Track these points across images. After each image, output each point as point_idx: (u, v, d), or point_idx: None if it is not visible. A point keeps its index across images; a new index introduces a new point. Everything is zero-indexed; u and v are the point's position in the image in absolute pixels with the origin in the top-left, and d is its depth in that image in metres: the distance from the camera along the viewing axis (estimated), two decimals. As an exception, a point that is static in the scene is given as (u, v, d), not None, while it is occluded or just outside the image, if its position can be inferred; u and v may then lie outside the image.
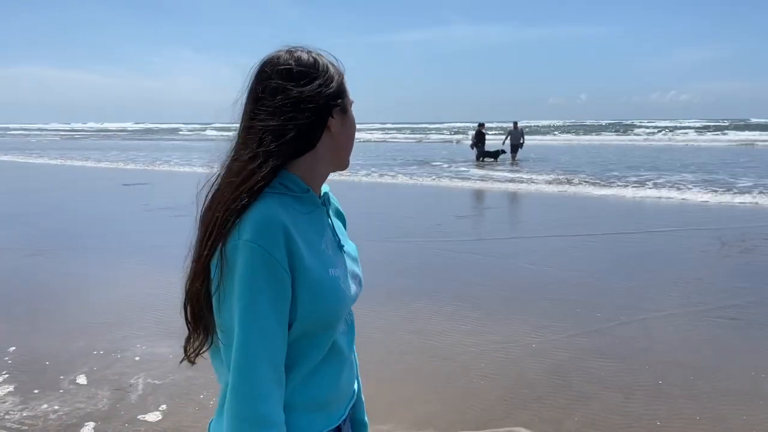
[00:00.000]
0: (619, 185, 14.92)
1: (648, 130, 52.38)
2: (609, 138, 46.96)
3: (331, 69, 1.23)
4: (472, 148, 24.59)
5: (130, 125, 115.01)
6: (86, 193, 15.65)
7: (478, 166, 22.30)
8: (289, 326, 1.13)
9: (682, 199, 12.75)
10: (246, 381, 1.07)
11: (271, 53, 1.22)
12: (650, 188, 13.98)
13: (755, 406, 3.76)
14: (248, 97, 1.21)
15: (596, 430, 3.50)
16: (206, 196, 1.19)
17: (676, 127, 58.66)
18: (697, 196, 13.04)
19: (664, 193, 13.19)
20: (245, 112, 1.21)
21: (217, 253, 1.10)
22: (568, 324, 5.23)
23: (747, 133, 47.38)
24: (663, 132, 51.47)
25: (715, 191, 13.54)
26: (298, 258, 1.13)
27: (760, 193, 13.10)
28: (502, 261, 7.72)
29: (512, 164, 22.64)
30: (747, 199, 12.33)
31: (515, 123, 25.15)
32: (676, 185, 14.60)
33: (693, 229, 9.55)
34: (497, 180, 17.44)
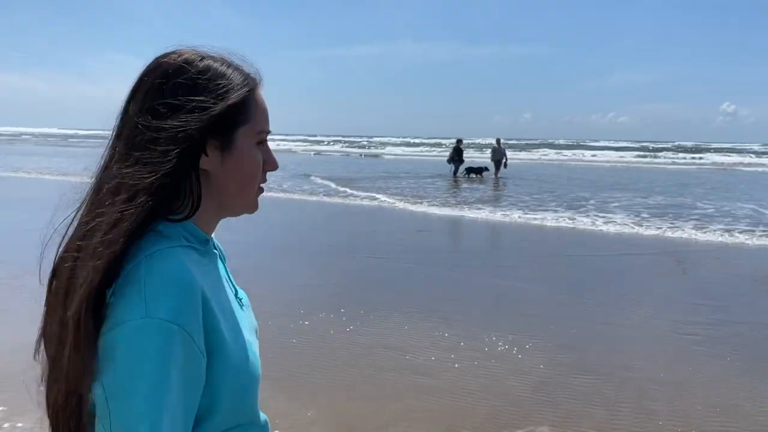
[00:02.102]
0: (585, 211, 14.97)
1: (592, 152, 53.78)
2: (554, 157, 48.12)
3: (229, 85, 0.93)
4: (449, 163, 24.27)
5: (54, 130, 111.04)
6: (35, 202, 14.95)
7: (455, 183, 21.87)
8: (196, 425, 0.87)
9: (634, 233, 13.14)
10: None
11: (162, 54, 0.95)
12: (610, 215, 14.02)
13: (737, 421, 3.87)
14: (120, 115, 0.94)
15: (589, 448, 3.54)
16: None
17: (621, 148, 60.69)
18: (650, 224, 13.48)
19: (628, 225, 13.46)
20: (115, 134, 0.93)
21: (102, 341, 0.81)
22: (545, 340, 5.28)
23: (683, 155, 49.68)
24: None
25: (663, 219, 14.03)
26: (216, 332, 0.87)
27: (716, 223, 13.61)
28: (471, 276, 7.76)
29: (494, 182, 22.28)
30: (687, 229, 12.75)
31: (498, 140, 24.78)
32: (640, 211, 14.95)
33: (652, 253, 9.86)
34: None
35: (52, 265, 0.89)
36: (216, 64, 0.94)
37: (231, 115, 0.93)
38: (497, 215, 13.38)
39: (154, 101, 0.90)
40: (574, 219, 12.78)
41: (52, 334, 0.85)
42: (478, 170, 23.70)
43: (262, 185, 1.02)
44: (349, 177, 23.77)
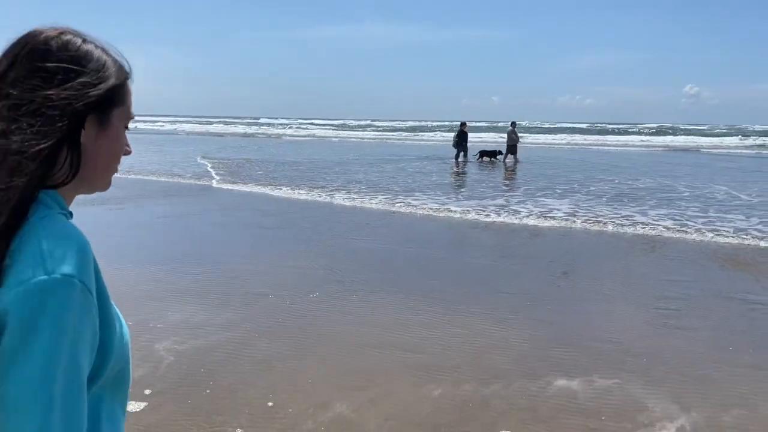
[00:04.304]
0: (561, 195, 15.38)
1: (557, 135, 54.23)
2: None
3: (110, 68, 0.99)
4: (455, 147, 24.04)
5: None
6: None
7: (456, 167, 21.84)
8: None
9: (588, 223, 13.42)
10: None
11: (33, 28, 0.97)
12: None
13: (707, 388, 4.11)
14: None
15: (570, 414, 3.72)
16: None
17: (587, 130, 61.22)
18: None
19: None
20: None
21: None
22: (524, 316, 5.47)
23: (648, 137, 50.69)
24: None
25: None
26: (104, 296, 0.93)
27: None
28: (448, 256, 7.92)
29: (513, 166, 22.08)
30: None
31: (513, 123, 24.64)
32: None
33: (613, 233, 10.14)
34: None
35: None
36: (98, 50, 0.99)
37: (110, 95, 0.98)
38: (507, 201, 13.54)
39: (42, 71, 0.92)
40: (549, 200, 13.07)
41: None
42: (491, 154, 23.57)
43: (118, 167, 1.07)
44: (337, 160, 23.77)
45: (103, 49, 1.00)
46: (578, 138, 49.62)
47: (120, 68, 1.02)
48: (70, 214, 0.99)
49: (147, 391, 3.84)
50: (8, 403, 0.80)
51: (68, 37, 0.97)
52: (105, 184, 1.06)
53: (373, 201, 12.62)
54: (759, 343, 4.92)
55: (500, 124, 64.57)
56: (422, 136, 52.63)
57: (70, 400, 0.83)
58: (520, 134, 24.56)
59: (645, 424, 3.64)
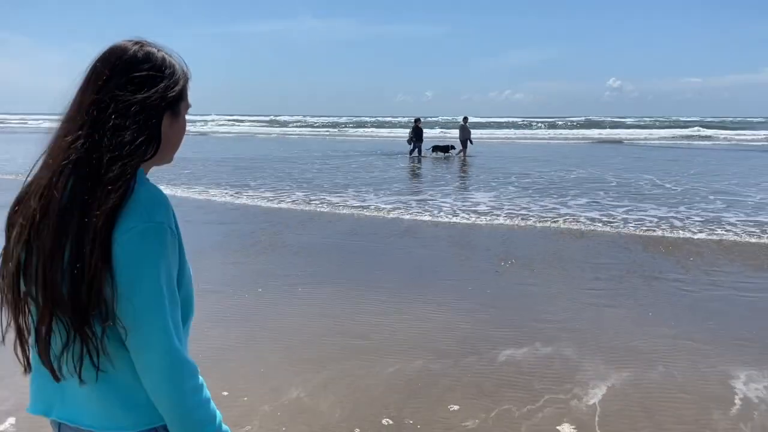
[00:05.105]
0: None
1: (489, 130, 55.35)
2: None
3: (178, 71, 1.29)
4: (409, 143, 24.16)
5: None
6: None
7: (412, 161, 22.22)
8: None
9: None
10: (177, 358, 1.25)
11: (118, 43, 1.25)
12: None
13: (634, 358, 4.47)
14: (90, 87, 1.22)
15: (513, 388, 3.98)
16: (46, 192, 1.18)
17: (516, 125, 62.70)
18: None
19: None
20: (88, 101, 1.21)
21: (117, 241, 1.14)
22: (466, 301, 5.73)
23: (576, 131, 52.46)
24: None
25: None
26: (182, 247, 1.26)
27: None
28: (390, 246, 8.13)
29: (462, 161, 22.52)
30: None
31: (465, 118, 25.11)
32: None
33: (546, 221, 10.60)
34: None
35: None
36: (169, 57, 1.29)
37: (181, 93, 1.30)
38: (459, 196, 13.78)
39: (136, 79, 1.22)
40: (480, 192, 13.47)
41: (76, 242, 1.13)
42: (444, 148, 23.96)
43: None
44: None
45: (170, 56, 1.30)
46: (509, 132, 50.83)
47: (183, 70, 1.32)
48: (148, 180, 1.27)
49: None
50: (139, 306, 1.15)
51: (147, 48, 1.26)
52: (171, 159, 1.38)
53: (315, 198, 12.72)
54: (678, 317, 5.35)
55: (431, 119, 65.47)
56: (355, 132, 52.65)
57: (174, 304, 1.22)
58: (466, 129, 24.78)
59: (581, 383, 4.02)
